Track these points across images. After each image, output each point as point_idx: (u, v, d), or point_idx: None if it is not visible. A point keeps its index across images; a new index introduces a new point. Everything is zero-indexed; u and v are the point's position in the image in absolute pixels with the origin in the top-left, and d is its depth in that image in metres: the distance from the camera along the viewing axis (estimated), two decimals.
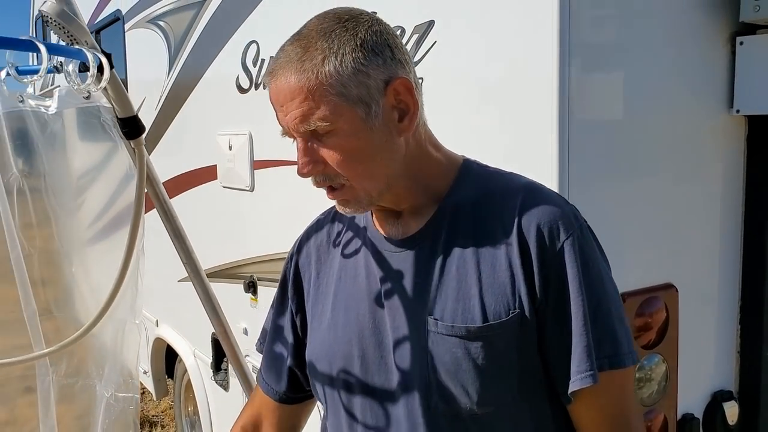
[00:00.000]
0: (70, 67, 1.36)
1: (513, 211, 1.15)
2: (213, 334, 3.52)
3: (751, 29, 1.86)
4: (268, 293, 3.02)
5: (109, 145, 1.63)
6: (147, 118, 4.16)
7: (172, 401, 4.88)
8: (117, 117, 1.46)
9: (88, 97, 1.47)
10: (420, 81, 1.24)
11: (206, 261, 3.51)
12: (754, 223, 1.96)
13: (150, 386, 4.72)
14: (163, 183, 4.08)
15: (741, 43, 1.86)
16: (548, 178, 1.62)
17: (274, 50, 2.87)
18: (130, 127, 1.46)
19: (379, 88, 1.12)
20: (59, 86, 1.47)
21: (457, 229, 1.18)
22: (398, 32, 1.92)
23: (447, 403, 1.15)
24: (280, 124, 1.15)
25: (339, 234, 1.35)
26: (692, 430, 1.91)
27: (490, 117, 1.81)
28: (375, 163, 1.14)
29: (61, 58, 1.33)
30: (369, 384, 1.24)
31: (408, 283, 1.20)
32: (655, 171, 1.86)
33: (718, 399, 1.97)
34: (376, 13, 2.12)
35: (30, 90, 1.47)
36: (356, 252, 1.29)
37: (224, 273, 3.36)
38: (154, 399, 4.99)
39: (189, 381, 4.01)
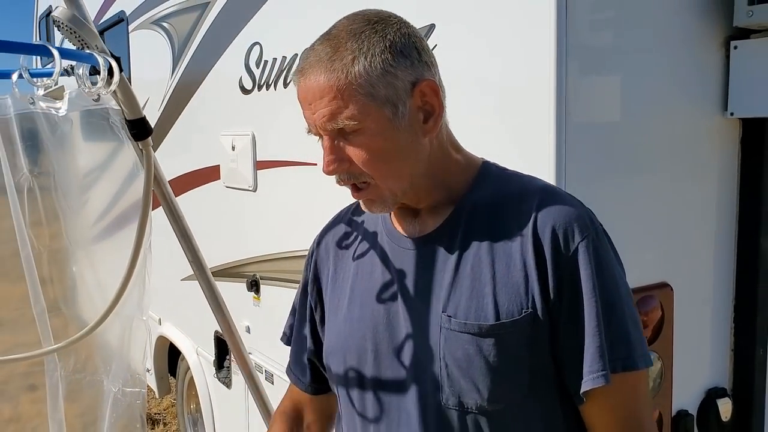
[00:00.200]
0: (81, 71, 1.40)
1: (529, 212, 1.17)
2: (216, 332, 3.56)
3: (744, 34, 1.90)
4: (270, 292, 3.06)
5: (115, 146, 1.67)
6: (151, 119, 4.18)
7: (174, 399, 4.91)
8: (125, 119, 1.49)
9: (97, 100, 1.51)
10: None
11: (209, 260, 3.54)
12: (747, 224, 2.00)
13: (153, 384, 4.76)
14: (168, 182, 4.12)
15: (735, 48, 1.90)
16: (545, 179, 1.65)
17: (277, 52, 2.92)
18: (138, 128, 1.50)
19: (407, 89, 1.14)
20: (62, 86, 1.51)
21: (474, 229, 1.21)
22: None
23: (458, 399, 1.17)
24: (307, 122, 1.17)
25: (357, 230, 1.38)
26: (686, 427, 1.94)
27: (489, 119, 1.84)
28: (400, 162, 1.17)
29: (72, 62, 1.37)
30: (381, 378, 1.26)
31: (423, 279, 1.23)
32: (651, 172, 1.89)
33: (712, 396, 2.00)
34: None
35: (40, 92, 1.51)
36: (373, 248, 1.32)
37: (227, 272, 3.40)
38: (157, 397, 5.02)
39: (191, 379, 4.05)
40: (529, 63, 1.72)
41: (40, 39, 7.50)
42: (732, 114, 1.93)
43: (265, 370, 3.11)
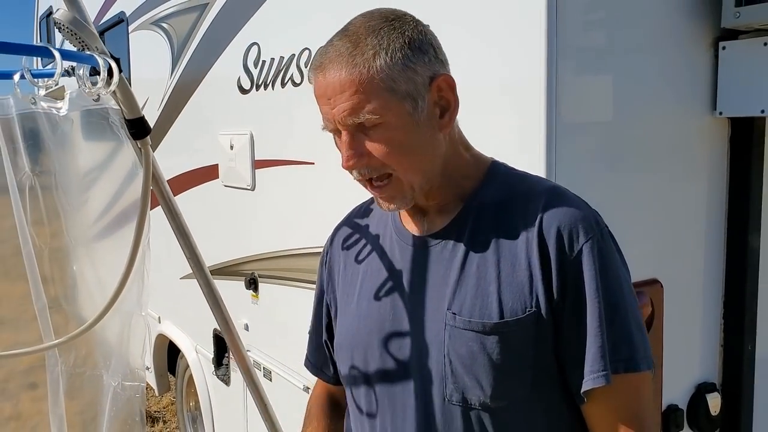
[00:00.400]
0: (82, 71, 1.43)
1: (535, 213, 1.18)
2: (215, 329, 3.59)
3: (733, 34, 1.93)
4: (268, 290, 3.09)
5: (115, 145, 1.70)
6: (150, 118, 4.21)
7: (173, 397, 4.94)
8: (125, 118, 1.52)
9: (97, 100, 1.54)
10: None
11: (208, 258, 3.57)
12: (736, 221, 2.03)
13: (152, 382, 4.79)
14: (167, 181, 4.15)
15: (723, 48, 1.93)
16: None
17: (274, 52, 2.95)
18: (137, 128, 1.52)
19: (425, 84, 1.17)
20: (63, 86, 1.54)
21: (480, 228, 1.22)
22: None
23: (461, 395, 1.19)
24: (324, 118, 1.19)
25: (367, 228, 1.41)
26: (676, 421, 1.97)
27: (480, 119, 1.87)
28: (419, 156, 1.19)
29: (73, 63, 1.40)
30: (387, 373, 1.29)
31: (429, 277, 1.25)
32: (641, 171, 1.92)
33: (701, 391, 2.03)
34: None
35: (42, 92, 1.54)
36: (382, 246, 1.35)
37: (226, 270, 3.43)
38: (157, 395, 5.05)
39: (191, 376, 4.08)
40: (520, 63, 1.75)
41: (40, 39, 7.54)
42: (721, 113, 1.96)
43: (263, 368, 3.14)
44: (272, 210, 3.02)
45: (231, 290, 3.34)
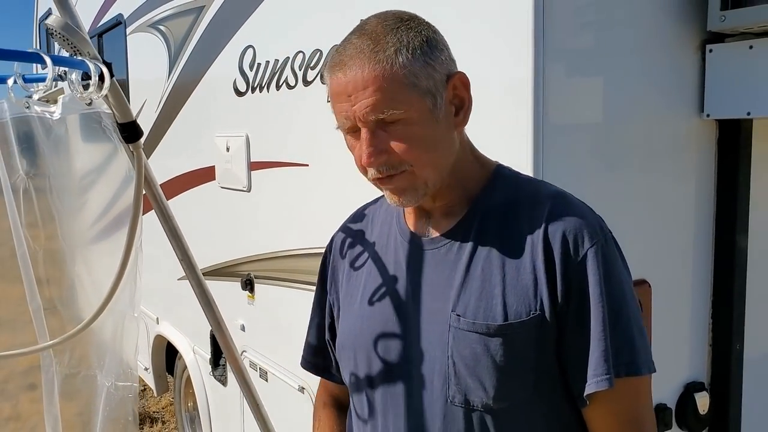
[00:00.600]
0: (74, 77, 1.45)
1: (540, 217, 1.20)
2: (212, 330, 3.61)
3: (720, 37, 1.95)
4: (264, 291, 3.11)
5: (111, 148, 1.72)
6: (148, 120, 4.26)
7: (172, 397, 4.97)
8: (117, 122, 1.54)
9: (90, 104, 1.56)
10: None
11: (205, 259, 3.62)
12: (724, 222, 2.05)
13: (151, 382, 4.81)
14: (163, 183, 4.18)
15: (710, 51, 1.95)
16: None
17: (269, 55, 2.96)
18: (129, 131, 1.54)
19: (443, 81, 1.19)
20: (61, 88, 1.56)
21: (486, 231, 1.23)
22: None
23: (464, 396, 1.20)
24: (341, 116, 1.18)
25: (371, 229, 1.42)
26: (665, 420, 1.99)
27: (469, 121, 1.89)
28: (437, 153, 1.20)
29: (65, 68, 1.42)
30: (390, 374, 1.30)
31: (434, 279, 1.26)
32: (630, 173, 1.94)
33: (690, 390, 2.05)
34: None
35: (36, 96, 1.57)
36: (387, 247, 1.36)
37: (222, 271, 3.45)
38: (155, 395, 5.08)
39: (189, 377, 4.09)
40: (508, 65, 1.77)
41: (39, 41, 7.57)
42: (708, 115, 1.98)
43: (260, 368, 3.16)
44: (268, 211, 3.05)
45: (228, 291, 3.37)
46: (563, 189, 1.28)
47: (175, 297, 3.94)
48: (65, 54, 1.50)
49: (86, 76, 1.46)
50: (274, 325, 3.10)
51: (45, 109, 1.62)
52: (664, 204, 2.02)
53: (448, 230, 1.27)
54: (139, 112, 4.42)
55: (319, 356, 1.54)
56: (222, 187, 3.39)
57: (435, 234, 1.29)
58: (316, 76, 2.51)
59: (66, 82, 1.51)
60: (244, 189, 3.16)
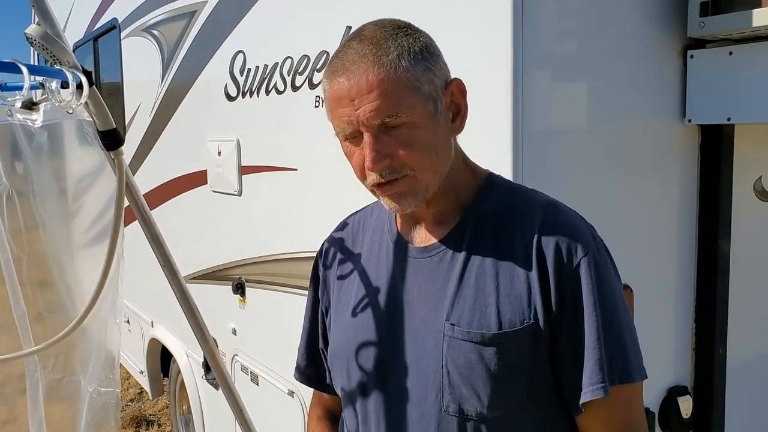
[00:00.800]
0: (53, 85, 1.47)
1: (533, 227, 1.20)
2: None
3: (701, 43, 1.96)
4: (255, 295, 3.12)
5: (98, 157, 1.74)
6: (142, 123, 4.28)
7: (168, 400, 4.98)
8: (97, 130, 1.55)
9: (71, 112, 1.57)
10: None
11: (197, 263, 3.63)
12: (707, 227, 2.06)
13: (146, 385, 4.82)
14: (157, 187, 4.19)
15: (692, 57, 1.96)
16: None
17: (259, 60, 2.97)
18: (110, 139, 1.55)
19: (442, 87, 1.19)
20: (39, 95, 1.57)
21: (479, 240, 1.23)
22: None
23: (458, 406, 1.20)
24: (343, 121, 1.16)
25: (363, 237, 1.42)
26: (648, 424, 1.99)
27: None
28: (438, 157, 1.20)
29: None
30: (383, 383, 1.30)
31: (428, 288, 1.25)
32: (612, 178, 1.95)
33: (673, 394, 2.06)
34: (351, 27, 2.24)
35: (18, 104, 1.58)
36: (378, 255, 1.36)
37: (214, 275, 3.46)
38: (150, 398, 5.09)
39: (183, 380, 4.11)
40: (487, 70, 1.77)
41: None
42: (690, 121, 1.99)
43: (251, 372, 3.17)
44: (258, 215, 3.06)
45: (219, 295, 3.38)
46: (554, 198, 1.29)
47: (169, 300, 3.91)
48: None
49: (68, 85, 1.47)
50: (265, 329, 3.11)
51: (27, 117, 1.63)
52: (647, 209, 2.03)
53: (440, 238, 1.27)
54: (134, 116, 4.44)
55: (312, 367, 1.54)
56: (214, 191, 3.40)
57: (427, 242, 1.29)
58: (305, 81, 2.52)
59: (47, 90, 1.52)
60: (235, 193, 3.17)
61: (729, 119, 1.89)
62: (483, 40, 1.79)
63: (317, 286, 1.49)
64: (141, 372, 4.87)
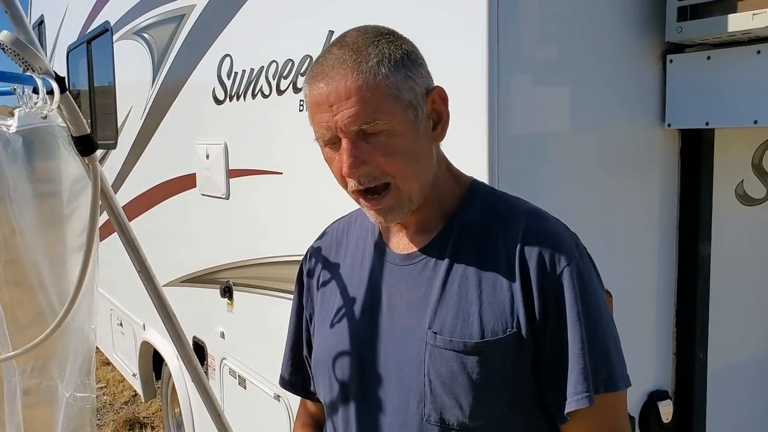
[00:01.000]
0: (24, 91, 1.47)
1: (516, 235, 1.19)
2: (194, 337, 3.63)
3: (681, 48, 1.96)
4: (243, 298, 3.12)
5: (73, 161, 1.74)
6: (134, 127, 4.28)
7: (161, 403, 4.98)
8: (72, 135, 1.56)
9: (45, 117, 1.58)
10: None
11: (187, 267, 3.63)
12: (687, 232, 2.05)
13: (138, 388, 4.82)
14: (148, 190, 4.18)
15: (671, 61, 1.96)
16: None
17: (245, 64, 2.98)
18: (84, 144, 1.55)
19: (422, 95, 1.18)
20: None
21: (462, 248, 1.23)
22: None
23: (440, 415, 1.19)
24: (322, 127, 1.16)
25: (347, 244, 1.41)
26: None
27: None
28: (420, 165, 1.19)
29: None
30: (365, 391, 1.29)
31: (410, 296, 1.24)
32: (592, 182, 1.95)
33: (653, 398, 2.05)
34: (333, 32, 2.24)
35: None
36: (362, 262, 1.35)
37: (203, 278, 3.46)
38: (142, 401, 5.09)
39: (174, 383, 4.11)
40: (463, 75, 1.77)
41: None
42: (669, 125, 1.98)
43: (239, 376, 3.17)
44: (245, 219, 3.06)
45: (208, 298, 3.38)
46: (537, 206, 1.28)
47: None
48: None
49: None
50: (252, 333, 3.11)
51: (2, 123, 1.64)
52: (628, 213, 2.02)
53: (423, 246, 1.26)
54: (126, 118, 4.45)
55: (297, 375, 1.53)
56: (203, 195, 3.40)
57: (411, 249, 1.28)
58: (289, 85, 2.52)
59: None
60: (223, 196, 3.17)
61: (707, 124, 1.88)
62: (460, 45, 1.79)
63: (302, 293, 1.49)
64: (133, 375, 4.87)
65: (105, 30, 4.69)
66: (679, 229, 2.07)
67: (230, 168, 3.11)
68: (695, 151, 2.02)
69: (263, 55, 2.69)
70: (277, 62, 2.59)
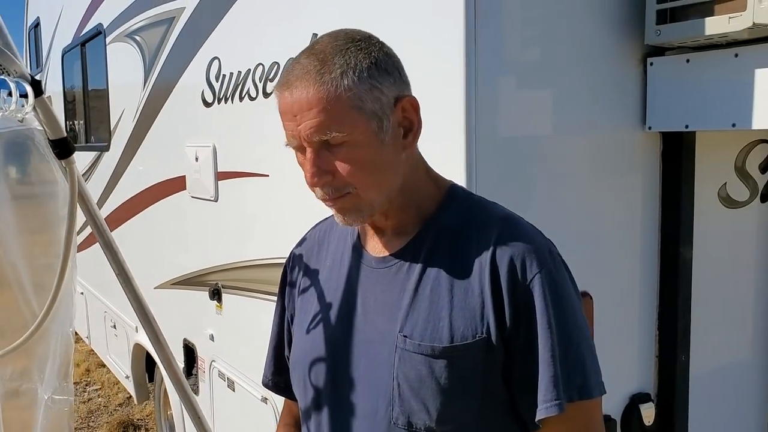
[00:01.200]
0: (1, 94, 1.47)
1: (489, 241, 1.19)
2: (185, 339, 3.63)
3: (661, 51, 1.96)
4: (231, 301, 3.12)
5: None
6: (126, 129, 4.29)
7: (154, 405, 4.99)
8: (48, 139, 1.56)
9: (22, 121, 1.58)
10: None
11: (177, 269, 3.63)
12: (669, 234, 2.05)
13: (131, 391, 4.83)
14: (140, 192, 4.18)
15: (651, 64, 1.96)
16: None
17: (233, 66, 2.98)
18: (61, 147, 1.55)
19: (390, 104, 1.17)
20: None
21: (436, 252, 1.22)
22: None
23: (407, 419, 1.19)
24: (288, 134, 1.17)
25: (328, 246, 1.42)
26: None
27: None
28: (382, 175, 1.19)
29: None
30: (337, 394, 1.29)
31: (384, 299, 1.24)
32: (573, 185, 1.95)
33: (635, 401, 2.05)
34: (316, 34, 2.24)
35: None
36: (340, 265, 1.35)
37: (193, 281, 3.47)
38: (135, 403, 5.10)
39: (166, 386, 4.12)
40: (441, 79, 1.77)
41: (29, 49, 7.64)
42: (650, 128, 1.98)
43: (227, 378, 3.17)
44: (233, 221, 3.06)
45: (198, 301, 3.38)
46: (513, 212, 1.28)
47: (152, 306, 3.94)
48: None
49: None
50: (241, 335, 3.11)
51: None
52: (609, 216, 2.02)
53: (399, 249, 1.26)
54: (119, 120, 4.45)
55: (280, 375, 1.53)
56: (192, 197, 3.41)
57: (386, 253, 1.28)
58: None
59: None
60: (212, 199, 3.17)
61: (687, 126, 1.89)
62: (440, 48, 1.79)
63: (284, 295, 1.50)
64: (127, 377, 4.88)
65: (98, 32, 4.70)
66: (661, 231, 2.07)
67: (219, 170, 3.12)
68: (676, 154, 2.02)
69: (250, 57, 2.69)
70: (263, 65, 2.60)
